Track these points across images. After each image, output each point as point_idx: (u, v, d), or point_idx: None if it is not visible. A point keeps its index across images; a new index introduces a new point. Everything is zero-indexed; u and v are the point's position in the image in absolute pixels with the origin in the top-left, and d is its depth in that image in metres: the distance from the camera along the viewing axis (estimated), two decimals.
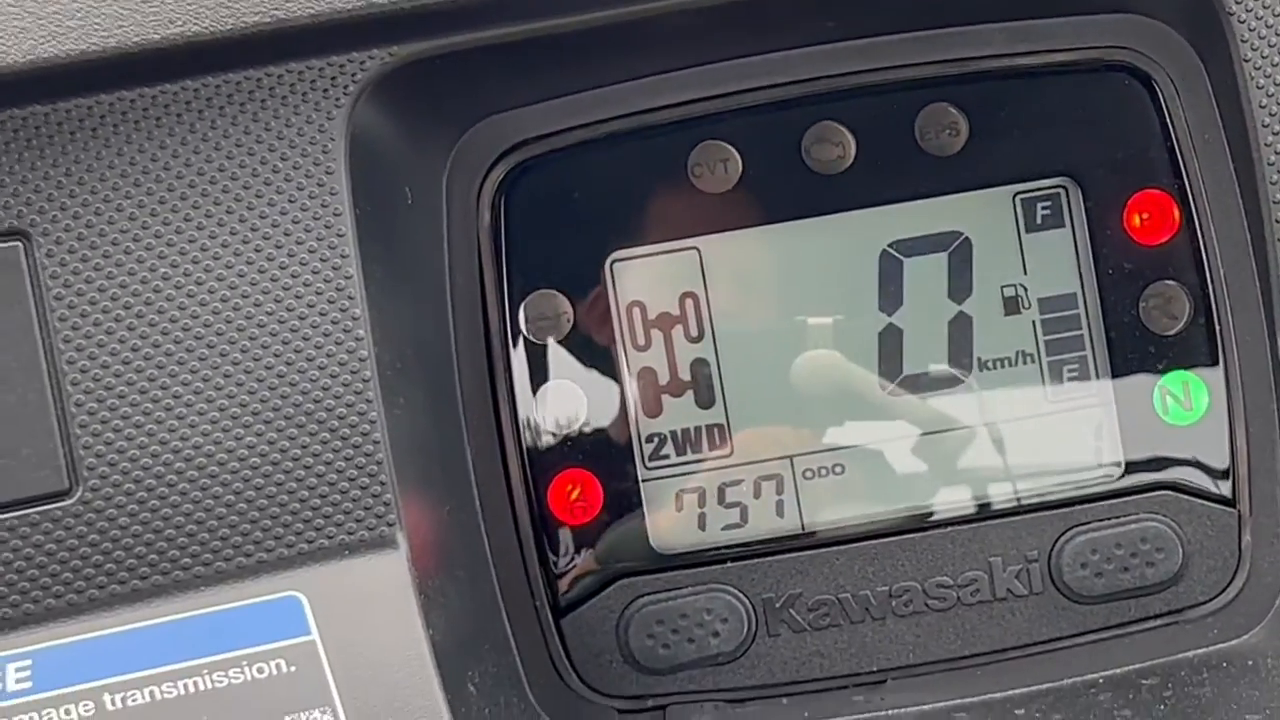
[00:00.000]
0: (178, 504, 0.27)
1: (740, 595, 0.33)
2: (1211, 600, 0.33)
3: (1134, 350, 0.33)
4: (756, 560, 0.32)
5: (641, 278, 0.33)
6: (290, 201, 0.28)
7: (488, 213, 0.34)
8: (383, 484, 0.28)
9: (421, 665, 0.28)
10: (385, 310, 0.29)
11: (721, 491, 0.33)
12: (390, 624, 0.28)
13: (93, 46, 0.27)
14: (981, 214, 0.33)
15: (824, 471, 0.33)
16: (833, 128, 0.33)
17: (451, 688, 0.27)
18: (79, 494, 0.27)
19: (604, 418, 0.32)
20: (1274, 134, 0.30)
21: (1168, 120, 0.32)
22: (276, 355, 0.27)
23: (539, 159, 0.32)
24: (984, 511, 0.33)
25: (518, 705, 0.31)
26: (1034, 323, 0.33)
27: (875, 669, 0.33)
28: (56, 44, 0.27)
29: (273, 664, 0.28)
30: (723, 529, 0.33)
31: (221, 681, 0.27)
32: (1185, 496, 0.33)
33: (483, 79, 0.30)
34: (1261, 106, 0.29)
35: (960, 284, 0.32)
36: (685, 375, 0.33)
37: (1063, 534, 0.33)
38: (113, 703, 0.28)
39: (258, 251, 0.27)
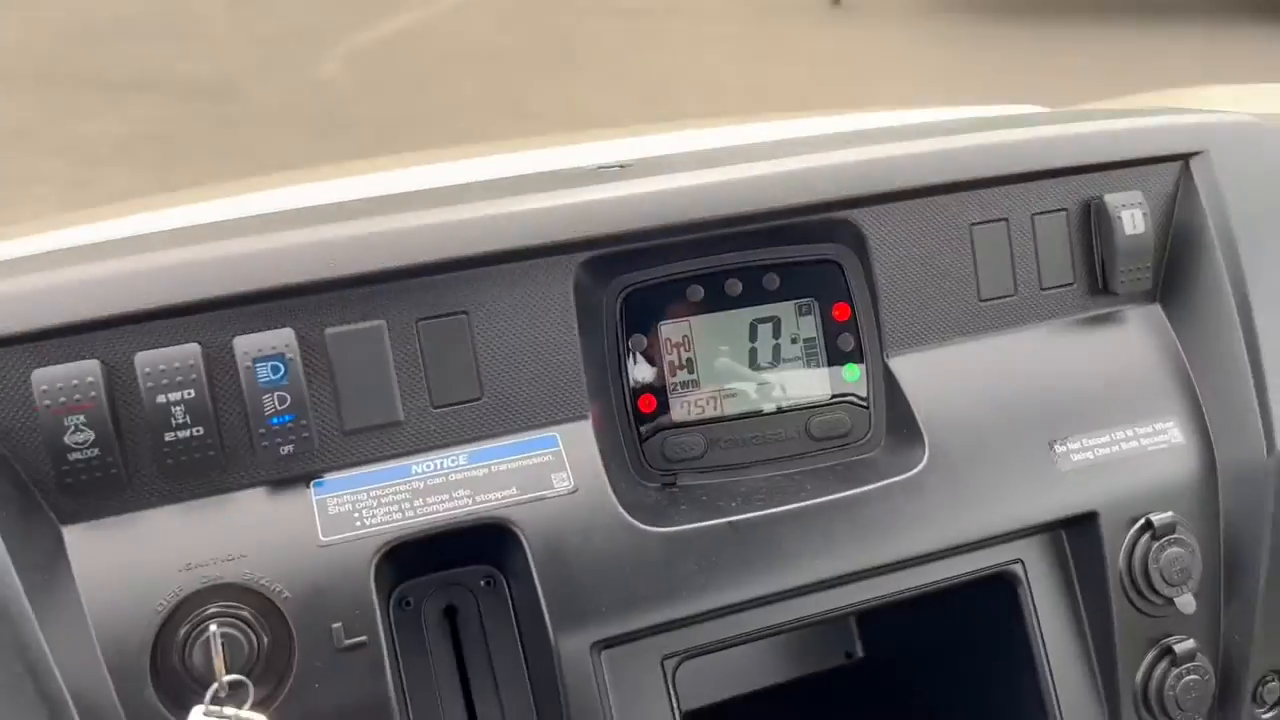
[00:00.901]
0: None
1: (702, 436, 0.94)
2: (858, 440, 0.94)
3: (834, 355, 0.95)
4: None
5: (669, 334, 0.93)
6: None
7: (618, 308, 0.94)
8: (582, 392, 0.89)
9: (594, 456, 0.88)
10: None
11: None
12: (583, 438, 0.88)
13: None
14: None
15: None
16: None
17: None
18: None
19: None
20: None
21: None
22: None
23: (640, 290, 0.92)
24: (780, 408, 0.94)
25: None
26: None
27: (745, 462, 0.94)
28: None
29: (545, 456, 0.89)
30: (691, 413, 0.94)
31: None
32: (852, 405, 0.94)
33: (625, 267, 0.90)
34: None
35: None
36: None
37: (810, 418, 0.94)
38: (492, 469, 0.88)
39: None
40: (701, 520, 0.82)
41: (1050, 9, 6.00)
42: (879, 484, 0.85)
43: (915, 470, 0.86)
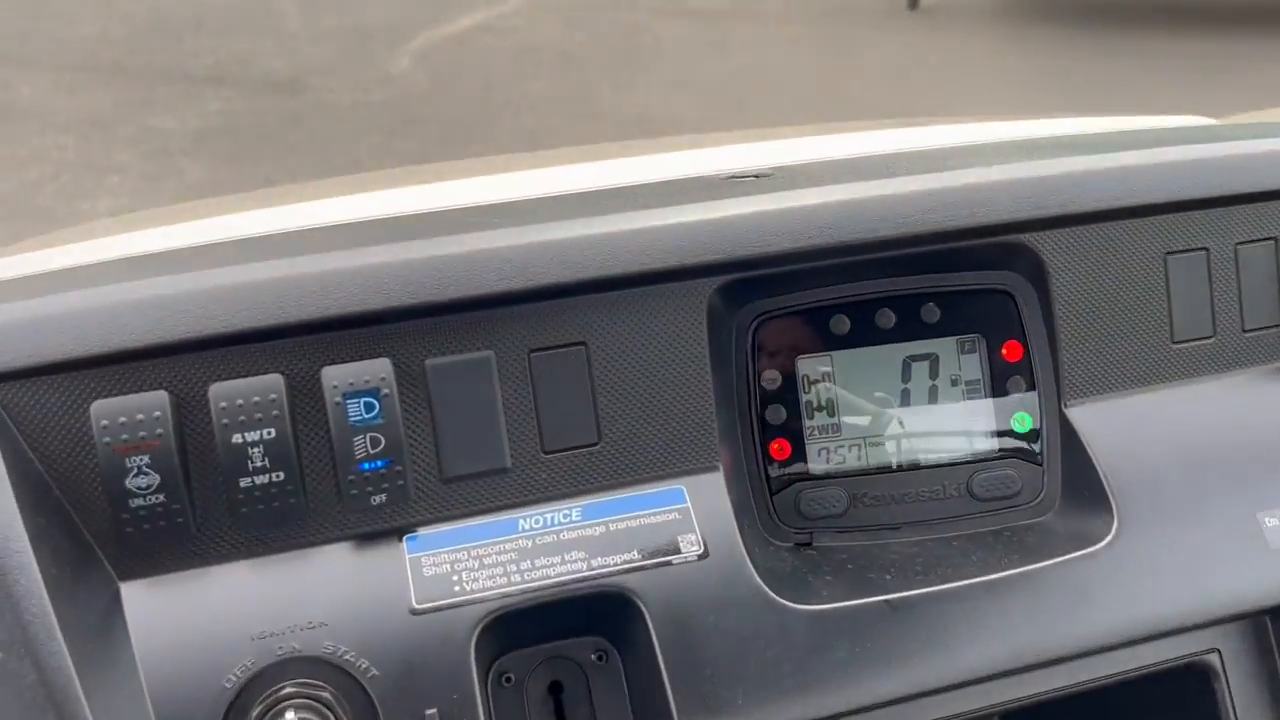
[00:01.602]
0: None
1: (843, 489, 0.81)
2: (1030, 502, 0.81)
3: (1001, 402, 0.81)
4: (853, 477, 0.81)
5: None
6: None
7: (749, 339, 0.82)
8: (713, 438, 0.76)
9: (728, 515, 0.75)
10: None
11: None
12: (714, 493, 0.76)
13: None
14: None
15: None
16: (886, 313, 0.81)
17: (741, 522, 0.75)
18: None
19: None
20: None
21: None
22: None
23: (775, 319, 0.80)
24: (938, 461, 0.81)
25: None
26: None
27: (893, 523, 0.81)
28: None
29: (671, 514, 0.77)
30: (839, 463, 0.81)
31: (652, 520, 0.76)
32: (1022, 460, 0.81)
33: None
34: None
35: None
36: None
37: (972, 474, 0.81)
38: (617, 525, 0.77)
39: None
40: (853, 597, 0.70)
41: (1138, 17, 5.76)
42: (1063, 558, 0.72)
43: (1104, 542, 0.73)
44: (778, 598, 0.68)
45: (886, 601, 0.69)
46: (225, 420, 0.62)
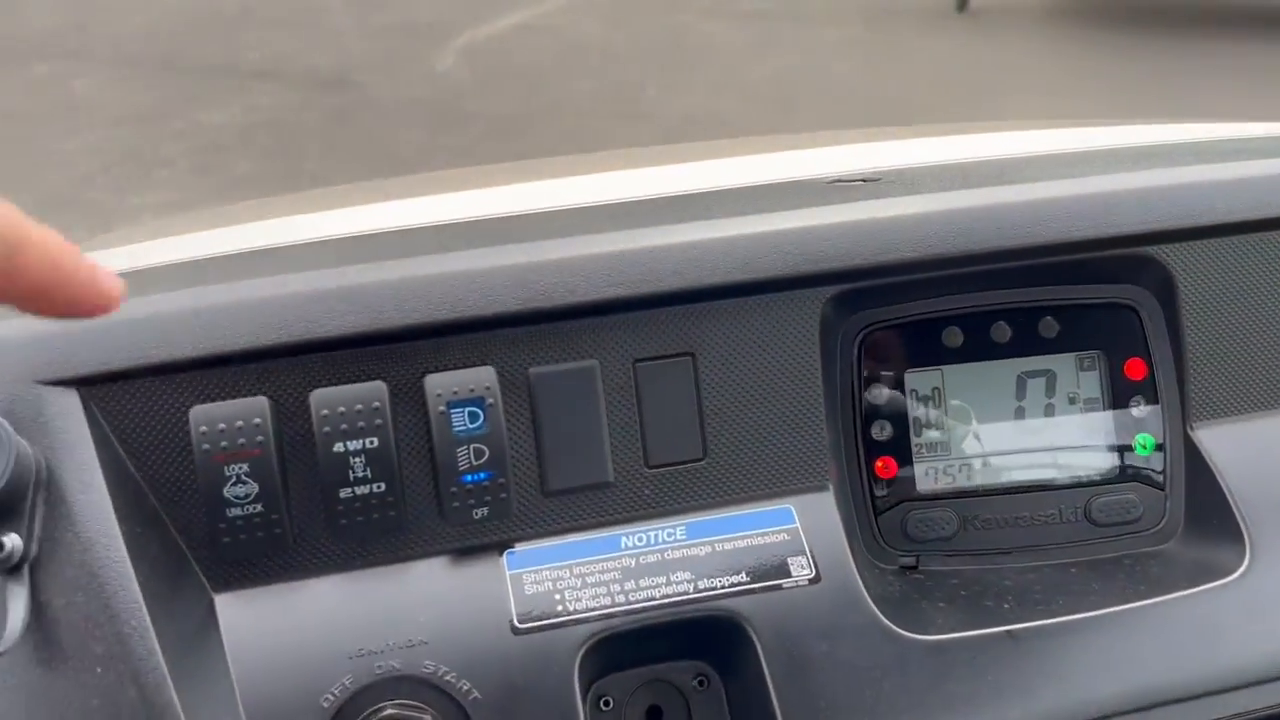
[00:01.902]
0: None
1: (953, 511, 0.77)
2: (1151, 529, 0.77)
3: (1123, 421, 0.77)
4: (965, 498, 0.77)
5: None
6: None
7: (855, 351, 0.79)
8: (824, 455, 0.73)
9: (839, 537, 0.72)
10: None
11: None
12: (824, 514, 0.73)
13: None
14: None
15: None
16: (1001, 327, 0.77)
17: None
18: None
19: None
20: None
21: None
22: None
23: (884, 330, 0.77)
24: (1054, 483, 0.77)
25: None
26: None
27: (1005, 547, 0.77)
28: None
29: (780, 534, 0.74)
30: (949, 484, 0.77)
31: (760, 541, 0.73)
32: (1144, 484, 0.77)
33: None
34: None
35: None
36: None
37: (1091, 498, 0.77)
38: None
39: None
40: (972, 626, 0.66)
41: (1194, 21, 5.66)
42: (1192, 591, 0.68)
43: (1235, 574, 0.69)
44: (894, 626, 0.65)
45: (1008, 632, 0.66)
46: (326, 429, 0.60)
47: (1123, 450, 0.75)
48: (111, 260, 0.78)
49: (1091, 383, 0.76)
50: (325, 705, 0.59)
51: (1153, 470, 0.75)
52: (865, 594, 0.66)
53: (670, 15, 6.28)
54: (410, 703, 0.60)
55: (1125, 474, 0.75)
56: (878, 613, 0.65)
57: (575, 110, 4.92)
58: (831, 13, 6.17)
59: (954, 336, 0.76)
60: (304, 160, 4.51)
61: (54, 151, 4.61)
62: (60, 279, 0.37)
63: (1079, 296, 0.75)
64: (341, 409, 0.60)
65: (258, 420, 0.59)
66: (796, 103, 4.85)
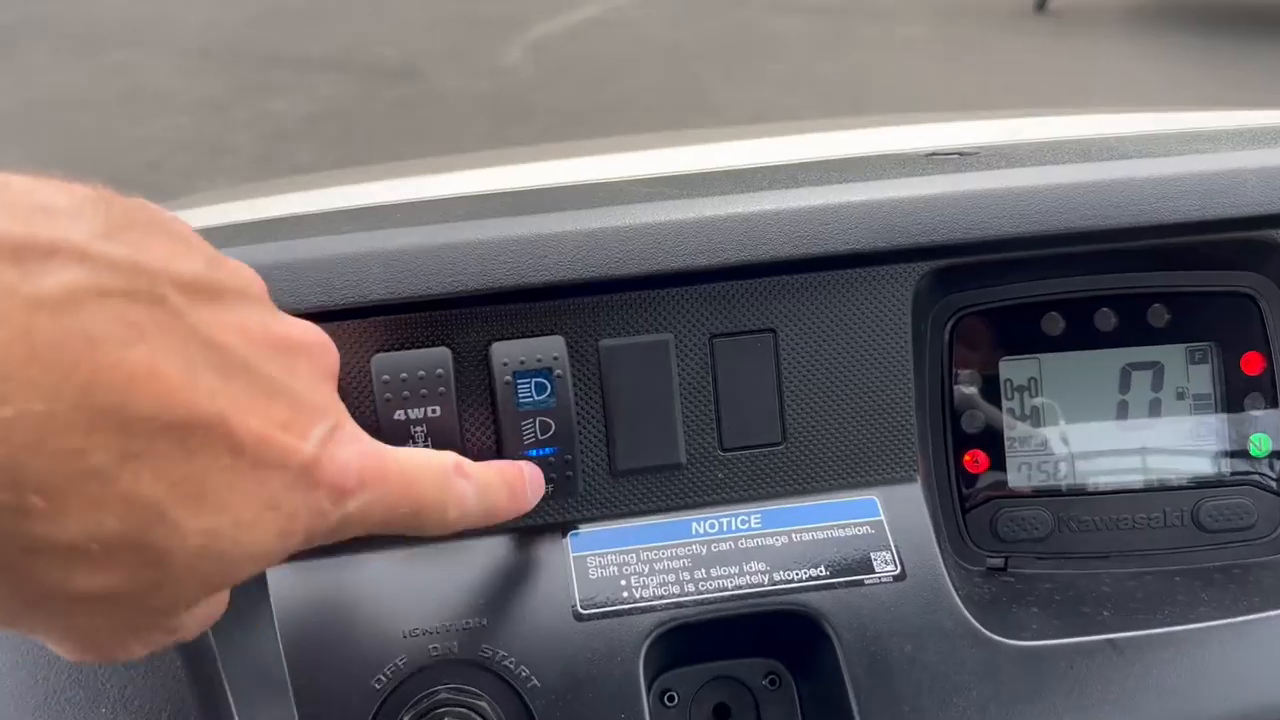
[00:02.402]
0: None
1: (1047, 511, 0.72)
2: (1266, 536, 0.71)
3: (1236, 420, 0.71)
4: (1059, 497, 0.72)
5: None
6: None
7: (945, 335, 0.73)
8: (912, 445, 0.68)
9: (926, 532, 0.67)
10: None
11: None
12: (911, 507, 0.68)
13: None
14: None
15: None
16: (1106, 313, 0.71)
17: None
18: None
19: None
20: None
21: None
22: None
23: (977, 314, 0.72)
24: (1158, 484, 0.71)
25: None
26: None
27: (1103, 551, 0.72)
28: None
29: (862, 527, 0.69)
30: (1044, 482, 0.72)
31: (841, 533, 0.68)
32: (1258, 488, 0.71)
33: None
34: None
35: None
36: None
37: (1199, 501, 0.71)
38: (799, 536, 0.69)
39: None
40: (1069, 634, 0.61)
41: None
42: None
43: None
44: (985, 630, 0.60)
45: (1109, 641, 0.61)
46: (388, 395, 0.56)
47: (1235, 451, 0.70)
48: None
49: (1203, 377, 0.70)
50: (377, 687, 0.56)
51: (1268, 474, 0.69)
52: (955, 596, 0.61)
53: (739, 10, 6.22)
54: (466, 687, 0.56)
55: (1237, 477, 0.69)
56: (968, 615, 0.60)
57: (642, 105, 4.89)
58: (904, 9, 6.07)
59: (1054, 323, 0.70)
60: (367, 150, 4.53)
61: (124, 137, 4.69)
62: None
63: (1193, 284, 0.70)
64: (404, 375, 0.57)
65: None
66: (867, 101, 4.77)
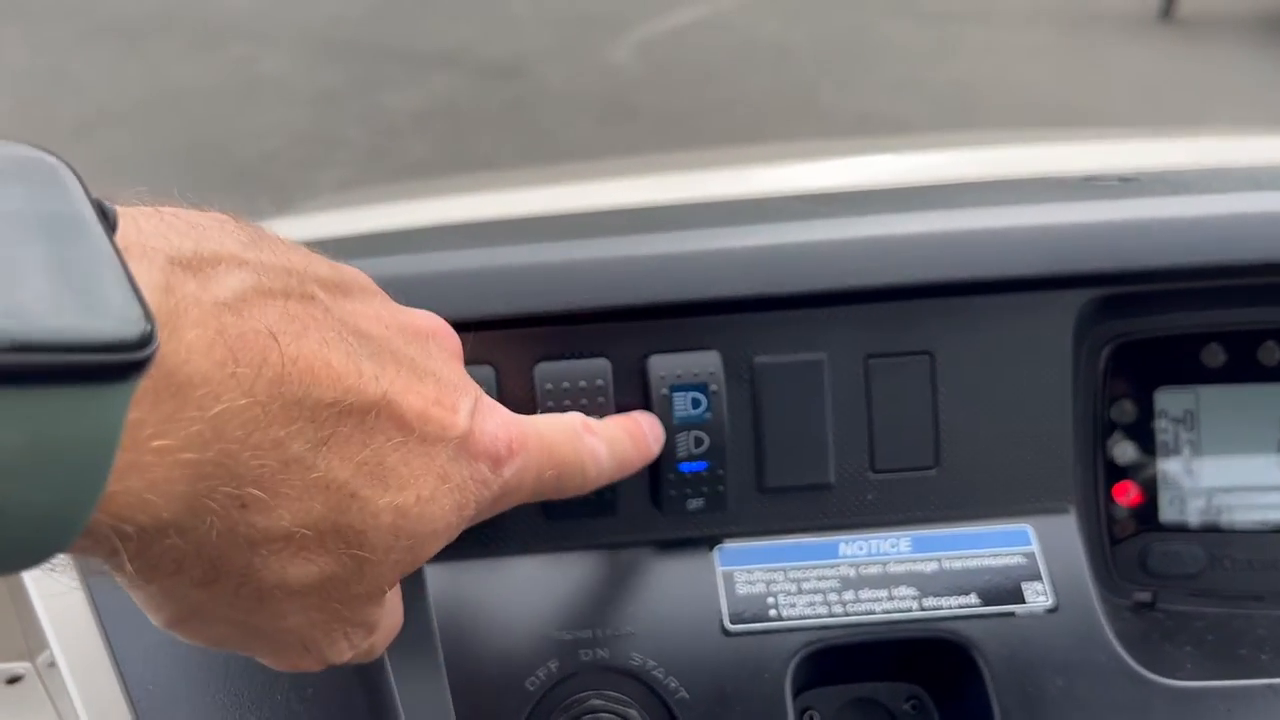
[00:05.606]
0: None
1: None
2: None
3: None
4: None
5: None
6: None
7: (1100, 363, 0.72)
8: (1067, 475, 0.67)
9: (1080, 564, 0.66)
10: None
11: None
12: (1065, 538, 0.67)
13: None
14: None
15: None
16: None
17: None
18: None
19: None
20: None
21: None
22: None
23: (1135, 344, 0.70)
24: None
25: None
26: None
27: (1258, 592, 0.69)
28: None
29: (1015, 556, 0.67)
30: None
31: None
32: None
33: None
34: None
35: None
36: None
37: None
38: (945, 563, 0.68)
39: None
40: (1226, 675, 0.60)
41: None
42: None
43: None
44: (1139, 667, 0.59)
45: (1270, 686, 0.59)
46: (549, 403, 0.57)
47: None
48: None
49: None
50: (530, 688, 0.57)
51: None
52: (1109, 631, 0.60)
53: (851, 13, 6.15)
54: (616, 695, 0.57)
55: None
56: (1121, 651, 0.59)
57: (748, 107, 4.88)
58: (1022, 15, 5.93)
59: (1214, 355, 0.68)
60: (476, 146, 4.61)
61: (242, 128, 4.85)
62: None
63: None
64: (565, 384, 0.58)
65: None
66: (981, 109, 4.68)
